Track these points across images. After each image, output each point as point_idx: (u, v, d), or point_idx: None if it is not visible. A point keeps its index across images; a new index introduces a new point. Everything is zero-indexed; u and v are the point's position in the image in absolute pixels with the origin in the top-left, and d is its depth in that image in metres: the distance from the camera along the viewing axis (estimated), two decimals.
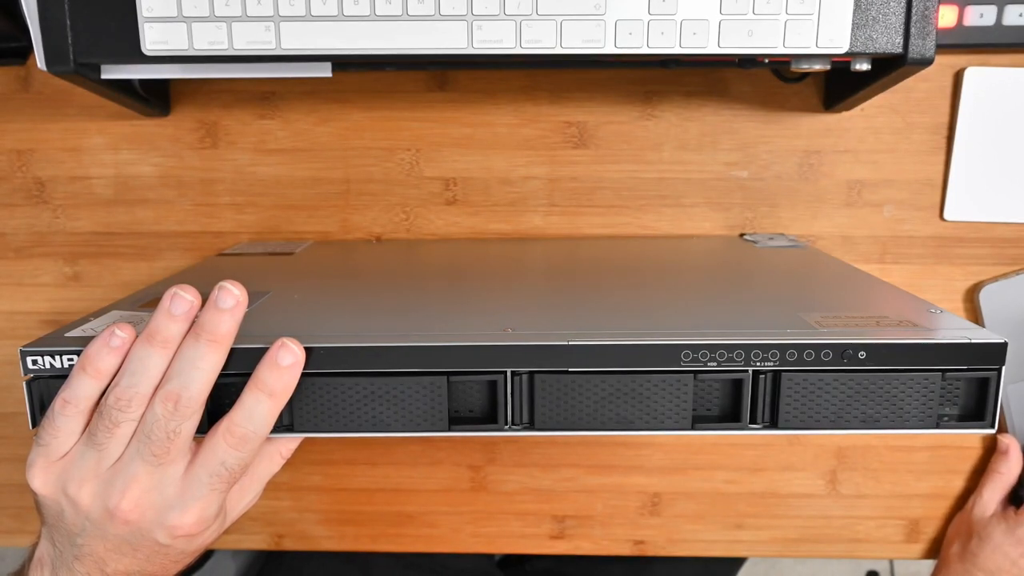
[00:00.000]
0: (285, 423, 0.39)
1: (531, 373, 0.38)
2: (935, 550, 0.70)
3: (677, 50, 0.49)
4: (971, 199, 0.64)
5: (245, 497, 0.44)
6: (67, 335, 0.40)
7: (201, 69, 0.54)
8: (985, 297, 0.64)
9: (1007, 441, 0.65)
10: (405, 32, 0.49)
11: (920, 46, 0.49)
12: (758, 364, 0.37)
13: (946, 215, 0.64)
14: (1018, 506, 0.65)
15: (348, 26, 0.49)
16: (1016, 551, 0.63)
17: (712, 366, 0.37)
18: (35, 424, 0.40)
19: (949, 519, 0.69)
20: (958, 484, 0.69)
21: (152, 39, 0.49)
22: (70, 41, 0.50)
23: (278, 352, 0.37)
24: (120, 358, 0.38)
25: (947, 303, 0.66)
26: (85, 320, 0.42)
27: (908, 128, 0.64)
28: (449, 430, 0.39)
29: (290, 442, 0.44)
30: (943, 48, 0.60)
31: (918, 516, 0.70)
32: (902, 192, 0.65)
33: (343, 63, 0.55)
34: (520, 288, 0.50)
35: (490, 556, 0.96)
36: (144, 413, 0.38)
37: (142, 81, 0.61)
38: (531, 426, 0.39)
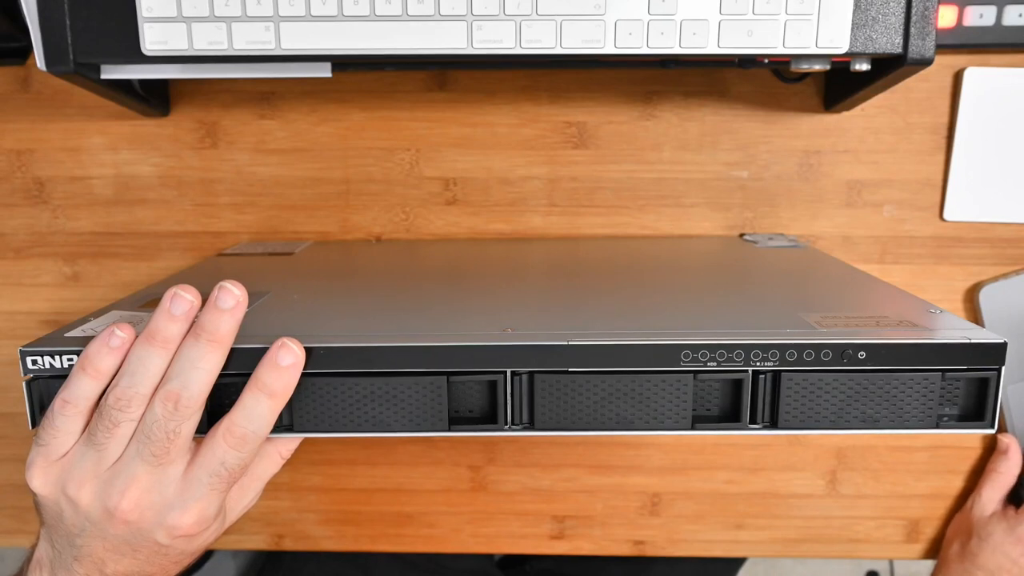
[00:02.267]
0: (285, 423, 0.39)
1: (531, 373, 0.38)
2: (935, 550, 0.70)
3: (677, 50, 0.49)
4: (971, 199, 0.64)
5: (245, 497, 0.44)
6: (67, 335, 0.40)
7: (201, 69, 0.54)
8: (985, 297, 0.64)
9: (1007, 440, 0.65)
10: (405, 32, 0.49)
11: (920, 46, 0.49)
12: (758, 364, 0.37)
13: (946, 215, 0.64)
14: (1018, 505, 0.65)
15: (348, 26, 0.49)
16: (1016, 550, 0.63)
17: (712, 366, 0.37)
18: (35, 424, 0.40)
19: (949, 519, 0.69)
20: (958, 484, 0.69)
21: (152, 39, 0.49)
22: (70, 41, 0.50)
23: (278, 352, 0.37)
24: (120, 358, 0.38)
25: (947, 303, 0.66)
26: (85, 320, 0.42)
27: (908, 128, 0.64)
28: (449, 430, 0.39)
29: (290, 442, 0.44)
30: (943, 48, 0.60)
31: (918, 516, 0.70)
32: (902, 192, 0.65)
33: (343, 63, 0.55)
34: (520, 288, 0.50)
35: (490, 556, 0.96)
36: (144, 413, 0.38)
37: (142, 81, 0.61)
38: (531, 426, 0.39)
